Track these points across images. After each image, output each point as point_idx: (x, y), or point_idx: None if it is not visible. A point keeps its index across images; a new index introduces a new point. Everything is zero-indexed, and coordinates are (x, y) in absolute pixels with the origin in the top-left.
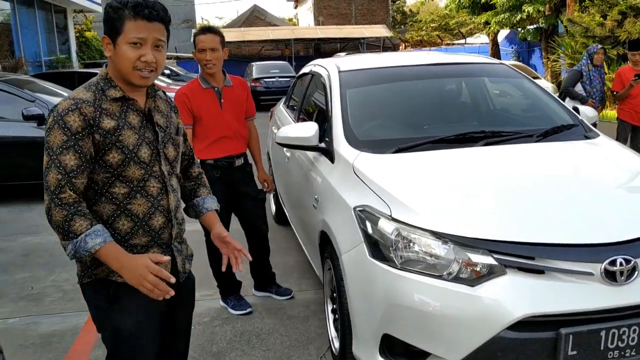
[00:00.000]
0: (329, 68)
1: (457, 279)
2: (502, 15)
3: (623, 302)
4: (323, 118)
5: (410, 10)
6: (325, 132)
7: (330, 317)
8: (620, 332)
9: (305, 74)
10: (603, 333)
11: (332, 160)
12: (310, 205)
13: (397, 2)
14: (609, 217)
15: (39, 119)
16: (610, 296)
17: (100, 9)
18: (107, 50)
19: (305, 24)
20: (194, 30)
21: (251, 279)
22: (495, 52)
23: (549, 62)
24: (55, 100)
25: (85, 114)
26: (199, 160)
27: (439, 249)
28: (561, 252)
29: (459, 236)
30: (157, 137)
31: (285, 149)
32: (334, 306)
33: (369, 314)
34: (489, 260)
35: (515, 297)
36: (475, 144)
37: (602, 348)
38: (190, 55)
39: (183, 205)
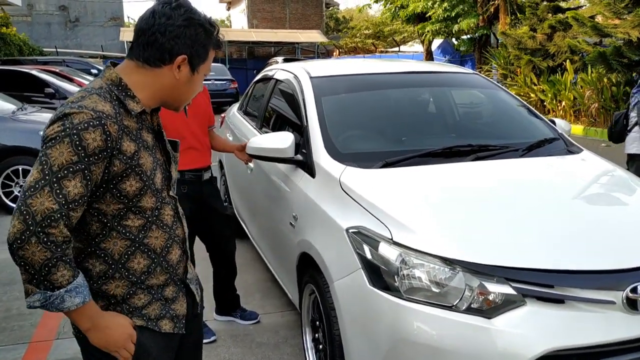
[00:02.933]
0: (298, 74)
1: (471, 310)
2: (438, 25)
3: None
4: (294, 127)
5: (344, 17)
6: (301, 143)
7: (310, 346)
8: None
9: (265, 79)
10: None
11: (312, 174)
12: (284, 222)
13: (331, 9)
14: (625, 241)
15: None
16: (634, 326)
17: (19, 2)
18: (176, 70)
19: (239, 27)
20: (122, 29)
21: (211, 302)
22: (429, 61)
23: (482, 72)
24: None
25: (109, 133)
26: None
27: (450, 276)
28: (582, 279)
29: (473, 263)
30: (167, 158)
31: None
32: (316, 335)
33: (370, 349)
34: (506, 289)
35: (537, 330)
36: (464, 158)
37: None
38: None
39: None
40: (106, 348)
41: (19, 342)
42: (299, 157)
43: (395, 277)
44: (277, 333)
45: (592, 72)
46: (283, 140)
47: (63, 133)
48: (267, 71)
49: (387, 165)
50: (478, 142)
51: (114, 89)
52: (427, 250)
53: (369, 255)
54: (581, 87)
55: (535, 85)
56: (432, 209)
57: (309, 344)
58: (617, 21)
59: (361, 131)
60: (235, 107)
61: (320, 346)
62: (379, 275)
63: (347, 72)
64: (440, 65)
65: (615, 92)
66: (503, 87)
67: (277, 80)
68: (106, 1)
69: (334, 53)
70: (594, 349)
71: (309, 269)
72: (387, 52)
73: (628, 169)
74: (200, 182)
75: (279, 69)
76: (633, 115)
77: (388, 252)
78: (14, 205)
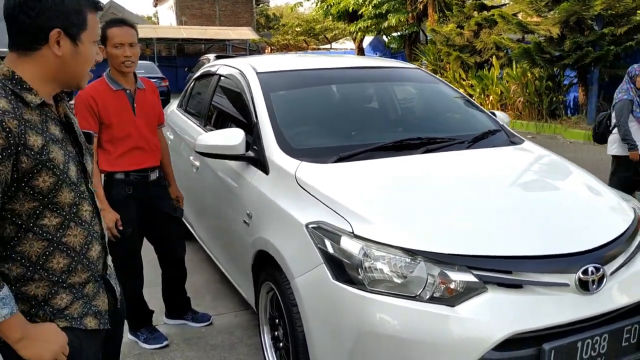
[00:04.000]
0: (244, 69)
1: (434, 299)
2: (368, 22)
3: (596, 311)
4: (241, 124)
5: (274, 14)
6: (251, 140)
7: (269, 345)
8: (593, 342)
9: (206, 75)
10: (579, 344)
11: (265, 171)
12: (237, 221)
13: (261, 5)
14: (575, 226)
15: None
16: (585, 306)
17: None
18: (55, 46)
19: (167, 23)
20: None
21: (160, 306)
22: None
23: None
24: None
25: (10, 129)
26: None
27: (411, 267)
28: (538, 264)
29: (434, 252)
30: (80, 150)
31: (192, 157)
32: (276, 333)
33: (335, 343)
34: (468, 277)
35: (499, 315)
36: (415, 151)
37: (578, 359)
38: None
39: None
40: (41, 358)
41: None
42: (251, 153)
43: (359, 269)
44: (231, 334)
45: (516, 67)
46: (233, 137)
47: None
48: (208, 67)
49: (341, 159)
50: (427, 135)
51: (7, 84)
52: (389, 242)
53: (330, 250)
54: (507, 81)
55: (464, 80)
56: (390, 202)
57: (267, 342)
58: (537, 19)
59: (312, 126)
60: (174, 105)
61: (281, 344)
62: (342, 269)
63: (293, 68)
64: (384, 61)
65: (539, 86)
66: (445, 82)
67: (220, 76)
68: None
69: (266, 50)
70: (551, 330)
71: (265, 267)
72: (319, 49)
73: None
74: (147, 183)
75: (221, 65)
76: (613, 116)
77: (350, 245)
78: None
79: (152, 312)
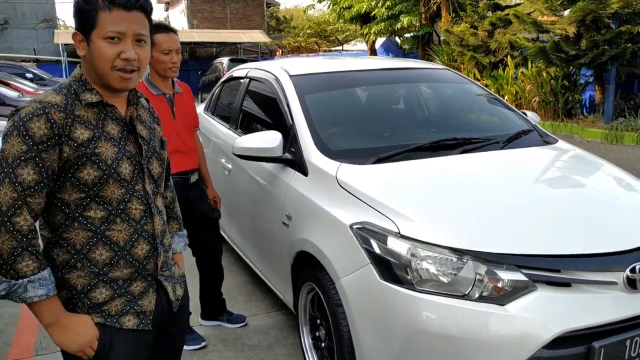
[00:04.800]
0: (277, 72)
1: (483, 298)
2: (382, 24)
3: None
4: (274, 127)
5: (284, 17)
6: (288, 141)
7: (310, 346)
8: None
9: (235, 79)
10: (628, 342)
11: (304, 172)
12: (275, 222)
13: (272, 8)
14: (620, 224)
15: None
16: (633, 304)
17: None
18: (79, 48)
19: (178, 27)
20: (56, 31)
21: (195, 307)
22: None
23: None
24: None
25: (54, 120)
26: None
27: (459, 266)
28: (586, 262)
29: (482, 252)
30: (140, 150)
31: (223, 159)
32: (317, 334)
33: (384, 343)
34: (517, 276)
35: (549, 313)
36: (452, 151)
37: (626, 357)
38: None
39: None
40: (68, 347)
41: None
42: (288, 155)
43: (407, 269)
44: (267, 334)
45: (532, 66)
46: (271, 140)
47: (12, 127)
48: (237, 71)
49: (379, 160)
50: (462, 136)
51: (74, 84)
52: (437, 242)
53: (377, 250)
54: (522, 81)
55: (478, 80)
56: (433, 202)
57: (307, 343)
58: (552, 18)
59: (346, 128)
60: (199, 109)
61: (323, 344)
62: (390, 269)
63: (325, 70)
64: (414, 62)
65: (554, 85)
66: (474, 82)
67: (250, 79)
68: (37, 2)
69: (277, 53)
70: (600, 328)
71: (306, 268)
72: (330, 51)
73: None
74: (187, 186)
75: (251, 68)
76: None
77: (397, 245)
78: None
79: (190, 313)
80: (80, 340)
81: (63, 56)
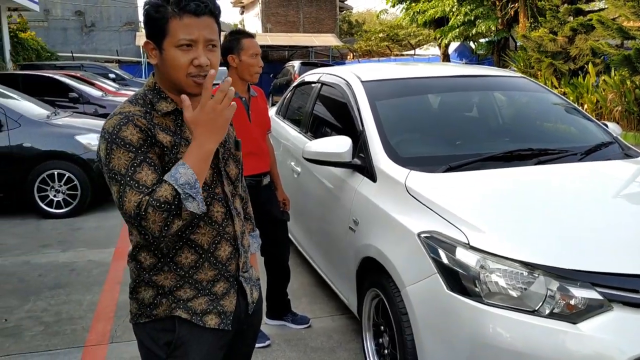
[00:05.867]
0: (349, 78)
1: (554, 315)
2: (457, 30)
3: None
4: (344, 132)
5: (357, 21)
6: (358, 147)
7: (372, 351)
8: None
9: (306, 83)
10: None
11: (372, 178)
12: (342, 226)
13: (344, 12)
14: None
15: None
16: None
17: (37, 8)
18: (151, 57)
19: (252, 31)
20: (137, 33)
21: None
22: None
23: None
24: (12, 104)
25: (140, 125)
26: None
27: (530, 281)
28: None
29: (555, 267)
30: (217, 153)
31: (292, 162)
32: (380, 340)
33: (448, 354)
34: (591, 294)
35: (625, 335)
36: (526, 162)
37: None
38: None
39: None
40: (220, 114)
41: (74, 346)
42: (357, 161)
43: (476, 281)
44: (330, 337)
45: (614, 74)
46: (341, 145)
47: (109, 143)
48: (309, 75)
49: (450, 169)
50: (537, 146)
51: (148, 94)
52: (507, 255)
53: (445, 260)
54: (603, 90)
55: (556, 88)
56: (505, 213)
57: (370, 348)
58: (639, 24)
59: (417, 135)
60: (272, 112)
61: (386, 351)
62: (457, 279)
63: (397, 76)
64: (488, 69)
65: (639, 95)
66: (552, 91)
67: (322, 84)
68: (122, 6)
69: (348, 56)
70: None
71: (372, 274)
72: (402, 55)
73: None
74: (259, 188)
75: (323, 73)
76: None
77: (466, 256)
78: (49, 210)
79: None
80: (213, 108)
81: (143, 57)
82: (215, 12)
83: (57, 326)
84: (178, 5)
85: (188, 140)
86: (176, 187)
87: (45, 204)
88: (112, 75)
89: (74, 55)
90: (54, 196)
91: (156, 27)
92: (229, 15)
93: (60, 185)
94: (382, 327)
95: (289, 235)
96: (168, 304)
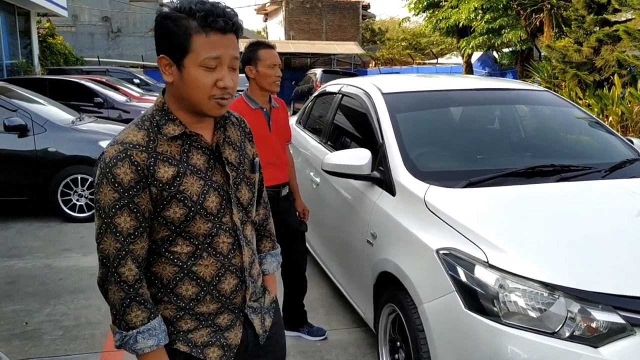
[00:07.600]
0: (369, 90)
1: (574, 338)
2: (480, 39)
3: None
4: (364, 144)
5: (379, 29)
6: (377, 159)
7: None
8: None
9: (327, 94)
10: None
11: (391, 192)
12: (360, 239)
13: (367, 20)
14: None
15: (21, 130)
16: None
17: (65, 14)
18: (166, 74)
19: (275, 38)
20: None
21: None
22: (468, 74)
23: None
24: (38, 109)
25: (137, 163)
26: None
27: (550, 302)
28: None
29: (577, 289)
30: (227, 179)
31: (312, 173)
32: (396, 356)
33: None
34: (613, 317)
35: None
36: (548, 178)
37: None
38: (157, 64)
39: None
40: None
41: (92, 352)
42: (376, 174)
43: (494, 301)
44: (345, 350)
45: None
46: (360, 158)
47: (101, 175)
48: (330, 86)
49: (470, 184)
50: (560, 162)
51: (156, 115)
52: (527, 275)
53: (463, 278)
54: (629, 101)
55: (580, 99)
56: (525, 231)
57: None
58: None
59: (438, 149)
60: (292, 120)
61: None
62: (475, 298)
63: (418, 89)
64: (510, 82)
65: None
66: (576, 105)
67: (343, 95)
68: (147, 13)
69: (370, 64)
70: None
71: (389, 289)
72: (424, 64)
73: None
74: (279, 199)
75: (344, 84)
76: None
77: (485, 275)
78: (72, 214)
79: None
80: None
81: None
82: (238, 30)
83: (75, 330)
84: (205, 20)
85: (195, 167)
86: (125, 335)
87: (68, 208)
88: (136, 81)
89: (100, 60)
90: (77, 200)
91: (175, 42)
92: (253, 22)
93: (84, 190)
94: (399, 343)
95: (307, 245)
96: (170, 335)
